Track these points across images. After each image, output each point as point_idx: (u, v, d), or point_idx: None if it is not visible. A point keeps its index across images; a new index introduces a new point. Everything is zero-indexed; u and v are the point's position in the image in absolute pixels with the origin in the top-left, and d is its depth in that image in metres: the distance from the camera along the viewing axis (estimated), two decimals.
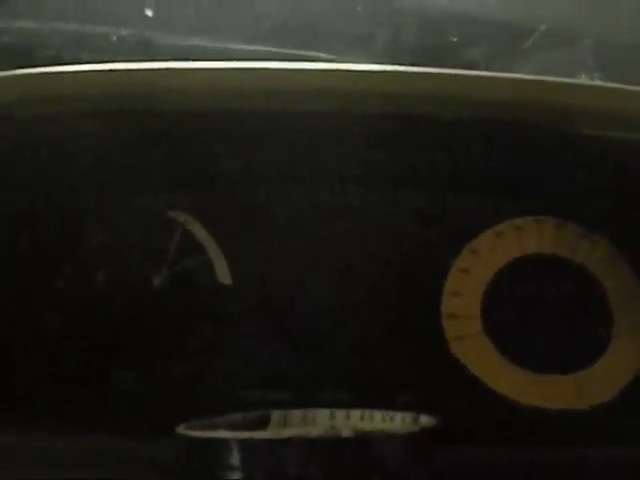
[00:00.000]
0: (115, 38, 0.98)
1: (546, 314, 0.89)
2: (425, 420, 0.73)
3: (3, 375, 0.82)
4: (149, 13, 1.00)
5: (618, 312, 0.89)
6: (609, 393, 0.87)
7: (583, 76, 0.95)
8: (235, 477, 0.66)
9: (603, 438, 0.81)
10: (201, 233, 0.91)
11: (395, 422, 0.76)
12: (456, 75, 0.75)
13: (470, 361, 0.88)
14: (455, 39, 0.98)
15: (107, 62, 0.74)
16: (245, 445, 0.66)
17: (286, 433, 0.70)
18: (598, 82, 0.90)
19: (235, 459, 0.66)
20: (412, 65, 0.74)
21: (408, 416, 0.75)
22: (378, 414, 0.77)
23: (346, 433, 0.69)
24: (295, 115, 0.75)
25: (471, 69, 0.79)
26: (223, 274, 0.91)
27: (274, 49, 0.96)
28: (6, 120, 0.74)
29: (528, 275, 0.90)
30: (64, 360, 0.88)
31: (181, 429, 0.70)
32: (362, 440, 0.67)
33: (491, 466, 0.76)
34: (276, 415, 0.77)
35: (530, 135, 0.79)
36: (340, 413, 0.78)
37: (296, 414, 0.78)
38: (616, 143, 0.78)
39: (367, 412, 0.77)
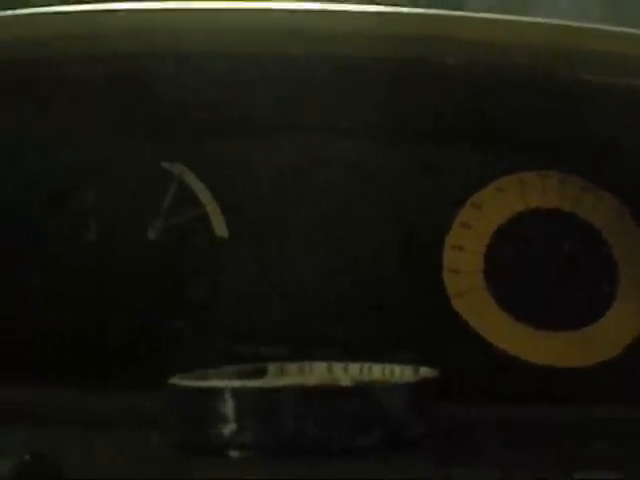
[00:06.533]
0: None
1: (549, 270, 0.87)
2: (425, 372, 0.71)
3: None
4: None
5: (623, 267, 0.88)
6: (614, 350, 0.85)
7: None
8: (228, 428, 0.64)
9: (607, 395, 0.80)
10: (197, 185, 0.89)
11: (395, 375, 0.74)
12: (458, 17, 0.73)
13: (471, 317, 0.86)
14: None
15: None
16: (238, 394, 0.65)
17: (281, 382, 0.68)
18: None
19: (227, 409, 0.64)
20: None
21: (408, 369, 0.73)
22: (377, 367, 0.75)
23: (344, 382, 0.67)
24: (293, 58, 0.73)
25: None
26: (220, 227, 0.89)
27: None
28: None
29: (531, 230, 0.88)
30: (58, 315, 0.87)
31: (174, 380, 0.69)
32: (361, 389, 0.65)
33: (491, 421, 0.74)
34: (273, 367, 0.76)
35: (536, 82, 0.77)
36: (338, 366, 0.76)
37: (293, 366, 0.76)
38: (623, 91, 0.76)
39: (366, 365, 0.76)
